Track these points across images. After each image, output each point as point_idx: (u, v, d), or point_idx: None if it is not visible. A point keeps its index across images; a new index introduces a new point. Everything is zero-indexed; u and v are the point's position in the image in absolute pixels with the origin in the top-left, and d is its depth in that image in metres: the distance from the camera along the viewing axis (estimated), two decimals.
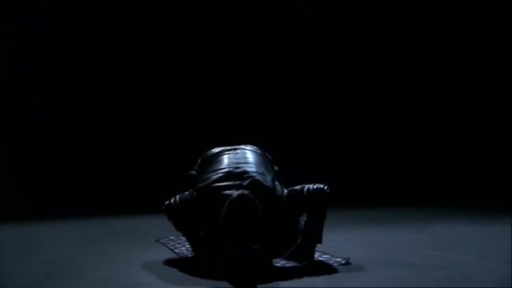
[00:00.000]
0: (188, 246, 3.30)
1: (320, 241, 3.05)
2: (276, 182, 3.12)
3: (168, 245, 3.61)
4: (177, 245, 3.56)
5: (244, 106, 7.52)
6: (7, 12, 6.56)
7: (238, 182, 2.95)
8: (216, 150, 3.40)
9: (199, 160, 3.46)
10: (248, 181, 2.97)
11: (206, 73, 7.48)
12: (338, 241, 3.70)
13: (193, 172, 3.44)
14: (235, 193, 2.80)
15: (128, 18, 7.18)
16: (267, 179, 3.04)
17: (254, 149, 3.42)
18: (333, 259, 3.12)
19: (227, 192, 2.88)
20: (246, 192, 2.84)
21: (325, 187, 3.07)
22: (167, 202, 3.15)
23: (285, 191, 3.10)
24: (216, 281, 2.77)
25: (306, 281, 2.82)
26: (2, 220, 5.17)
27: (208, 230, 2.99)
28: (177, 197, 3.14)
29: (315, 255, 3.11)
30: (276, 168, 3.49)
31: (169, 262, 3.26)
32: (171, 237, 3.68)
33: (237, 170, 3.05)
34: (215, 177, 3.04)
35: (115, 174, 7.17)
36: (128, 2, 7.13)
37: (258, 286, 2.69)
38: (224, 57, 7.55)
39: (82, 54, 7.02)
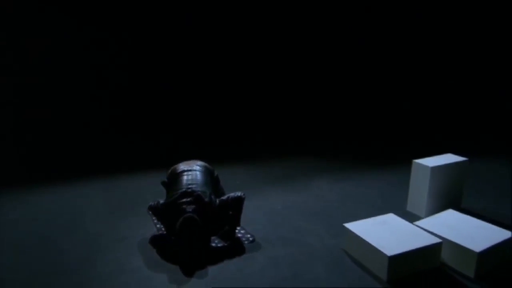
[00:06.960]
0: None
1: (239, 225, 4.46)
2: (212, 196, 4.28)
3: (153, 218, 4.70)
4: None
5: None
6: None
7: (189, 199, 4.19)
8: (179, 169, 4.55)
9: (169, 172, 4.65)
10: (194, 198, 4.20)
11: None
12: (251, 211, 4.80)
13: (166, 180, 4.67)
14: (187, 211, 4.02)
15: None
16: (207, 195, 4.24)
17: (200, 169, 4.57)
18: (245, 236, 4.42)
19: (183, 206, 4.14)
20: (193, 207, 4.06)
21: (241, 194, 4.39)
22: (150, 204, 4.35)
23: (217, 201, 4.32)
24: (176, 266, 3.77)
25: (225, 263, 3.85)
26: (45, 182, 5.92)
27: (174, 226, 4.04)
28: (155, 202, 4.35)
29: (236, 231, 4.47)
30: (215, 173, 4.75)
31: (152, 241, 4.27)
32: None
33: (189, 190, 4.26)
34: (176, 195, 4.24)
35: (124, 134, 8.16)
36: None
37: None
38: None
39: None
